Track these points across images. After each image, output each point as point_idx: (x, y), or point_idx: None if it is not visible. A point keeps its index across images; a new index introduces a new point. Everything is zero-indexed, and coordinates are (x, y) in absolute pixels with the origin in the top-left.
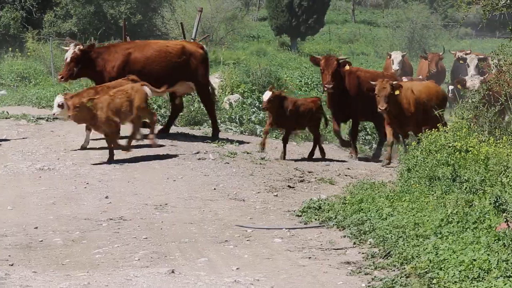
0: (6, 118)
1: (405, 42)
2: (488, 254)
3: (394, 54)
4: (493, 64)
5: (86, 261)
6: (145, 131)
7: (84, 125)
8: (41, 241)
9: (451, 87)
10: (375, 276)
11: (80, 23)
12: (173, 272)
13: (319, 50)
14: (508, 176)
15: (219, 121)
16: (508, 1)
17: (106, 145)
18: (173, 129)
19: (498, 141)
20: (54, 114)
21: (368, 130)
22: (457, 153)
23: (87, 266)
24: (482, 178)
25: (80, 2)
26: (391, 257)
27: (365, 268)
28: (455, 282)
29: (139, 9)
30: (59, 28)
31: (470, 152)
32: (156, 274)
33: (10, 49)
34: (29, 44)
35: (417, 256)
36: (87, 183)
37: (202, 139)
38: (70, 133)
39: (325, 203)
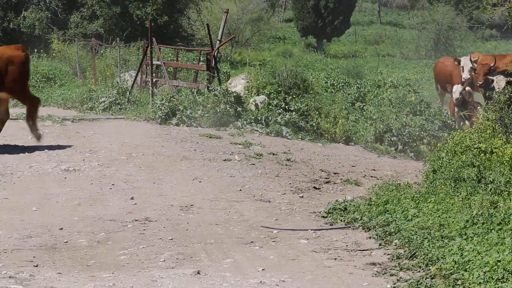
0: None
1: (430, 44)
2: None
3: (464, 60)
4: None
5: (111, 262)
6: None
7: (110, 127)
8: (66, 242)
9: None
10: (400, 277)
11: (106, 24)
12: (198, 273)
13: (344, 51)
14: None
15: (245, 122)
16: None
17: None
18: (199, 130)
19: None
20: None
21: (393, 131)
22: (482, 154)
23: (112, 267)
24: (507, 179)
25: (106, 3)
26: (416, 258)
27: (391, 269)
28: (480, 283)
29: (165, 10)
30: (85, 29)
31: (495, 154)
32: (182, 275)
33: (35, 50)
34: (54, 45)
35: (442, 257)
36: (113, 184)
37: (228, 140)
38: (95, 134)
39: (350, 204)
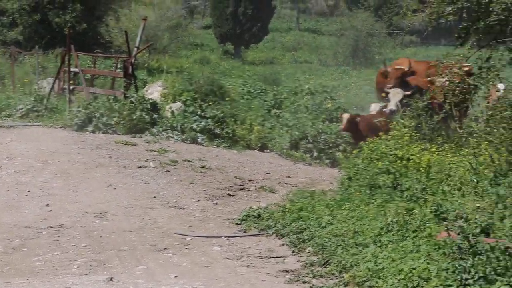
0: None
1: (349, 50)
2: (428, 263)
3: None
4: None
5: (26, 269)
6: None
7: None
8: None
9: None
10: (313, 285)
11: (26, 31)
12: (111, 280)
13: (262, 58)
14: (449, 184)
15: (160, 129)
16: (455, 9)
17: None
18: (114, 137)
19: (440, 149)
20: None
21: (309, 138)
22: (399, 161)
23: (27, 274)
24: (424, 186)
25: (26, 11)
26: (330, 265)
27: (304, 276)
28: None
29: (84, 18)
30: (5, 36)
31: (412, 161)
32: (95, 282)
33: None
34: None
35: (356, 265)
36: (28, 191)
37: (143, 147)
38: (12, 142)
39: (264, 211)
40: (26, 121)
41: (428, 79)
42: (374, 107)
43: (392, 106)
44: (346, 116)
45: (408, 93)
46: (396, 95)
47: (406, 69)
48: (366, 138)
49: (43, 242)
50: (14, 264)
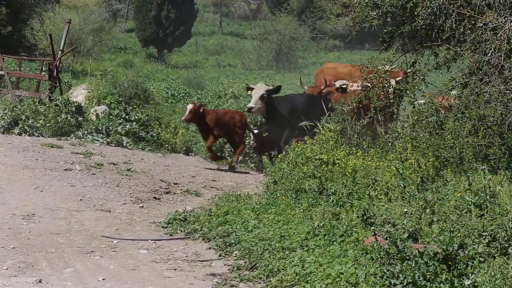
0: None
1: (272, 54)
2: (356, 268)
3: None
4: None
5: None
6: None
7: None
8: None
9: None
10: None
11: None
12: (40, 281)
13: (186, 61)
14: (376, 189)
15: (86, 132)
16: (379, 13)
17: None
18: (40, 140)
19: (366, 154)
20: None
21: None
22: (324, 165)
23: None
24: (350, 191)
25: None
26: (257, 269)
27: (231, 280)
28: None
29: (9, 21)
30: None
31: (338, 165)
32: (24, 283)
33: None
34: None
35: (283, 269)
36: None
37: (69, 149)
38: None
39: (190, 214)
40: None
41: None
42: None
43: (251, 104)
44: (189, 106)
45: (271, 88)
46: (258, 90)
47: (322, 87)
48: (214, 131)
49: None
50: None
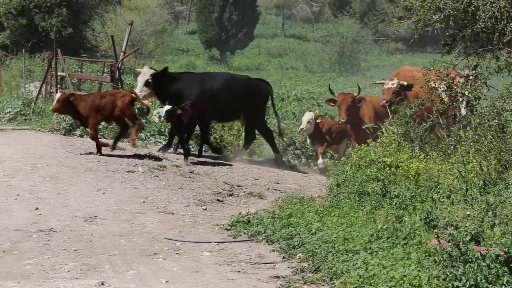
0: None
1: (335, 57)
2: (419, 270)
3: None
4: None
5: (17, 272)
6: None
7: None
8: None
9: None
10: None
11: (12, 35)
12: (102, 284)
13: (248, 64)
14: (438, 192)
15: (148, 134)
16: (441, 17)
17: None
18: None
19: (428, 157)
20: None
21: (297, 144)
22: (387, 168)
23: (18, 277)
24: (413, 194)
25: (13, 15)
26: (321, 271)
27: (294, 282)
28: None
29: (70, 22)
30: None
31: (400, 168)
32: (86, 286)
33: None
34: None
35: (346, 272)
36: (18, 195)
37: (132, 151)
38: (0, 145)
39: (254, 217)
40: (14, 125)
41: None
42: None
43: (137, 92)
44: (58, 95)
45: (157, 71)
46: (143, 76)
47: (355, 93)
48: (91, 118)
49: (33, 246)
50: (5, 267)
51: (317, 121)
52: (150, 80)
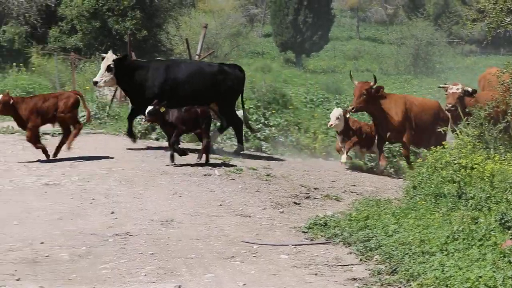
0: (11, 133)
1: (409, 59)
2: (494, 271)
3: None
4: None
5: (93, 276)
6: None
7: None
8: (47, 256)
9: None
10: None
11: (85, 38)
12: (179, 287)
13: (323, 66)
14: None
15: (224, 137)
16: None
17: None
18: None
19: (503, 158)
20: None
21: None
22: (463, 170)
23: (94, 281)
24: (488, 195)
25: (85, 17)
26: (397, 273)
27: (372, 284)
28: None
29: (144, 25)
30: (64, 43)
31: (476, 169)
32: None
33: (14, 64)
34: (33, 59)
35: (423, 273)
36: (93, 199)
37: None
38: (75, 149)
39: (331, 219)
40: (88, 129)
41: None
42: (335, 112)
43: (97, 77)
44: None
45: (119, 56)
46: (106, 61)
47: (372, 83)
48: (30, 121)
49: (109, 250)
50: (81, 271)
51: (347, 116)
52: (112, 66)
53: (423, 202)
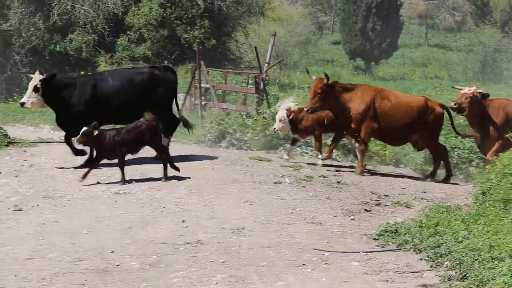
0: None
1: (478, 66)
2: None
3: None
4: None
5: (164, 285)
6: None
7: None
8: (118, 265)
9: None
10: None
11: (154, 47)
12: None
13: (393, 73)
14: None
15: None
16: None
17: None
18: (248, 153)
19: None
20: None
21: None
22: None
23: None
24: None
25: (153, 26)
26: (467, 279)
27: None
28: None
29: (213, 34)
30: (132, 52)
31: None
32: None
33: (82, 72)
34: (101, 68)
35: (492, 279)
36: (164, 207)
37: (278, 163)
38: (144, 157)
39: (401, 226)
40: None
41: None
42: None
43: (24, 98)
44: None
45: (46, 76)
46: (33, 81)
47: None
48: None
49: (180, 258)
50: (151, 280)
51: (290, 116)
52: (38, 86)
53: (492, 208)
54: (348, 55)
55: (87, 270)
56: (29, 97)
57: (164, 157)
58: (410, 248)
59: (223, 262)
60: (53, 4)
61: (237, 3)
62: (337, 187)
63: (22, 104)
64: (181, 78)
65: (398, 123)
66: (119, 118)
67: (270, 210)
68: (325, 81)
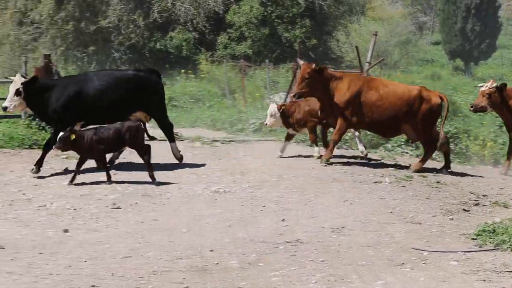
0: (180, 140)
1: None
2: None
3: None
4: None
5: (263, 284)
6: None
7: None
8: (217, 263)
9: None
10: None
11: (255, 45)
12: None
13: (492, 74)
14: None
15: (395, 144)
16: None
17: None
18: (349, 152)
19: None
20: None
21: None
22: None
23: None
24: None
25: (254, 24)
26: None
27: None
28: None
29: (314, 33)
30: (233, 50)
31: None
32: None
33: (182, 70)
34: (202, 66)
35: None
36: (263, 206)
37: (378, 162)
38: (246, 156)
39: (499, 226)
40: (259, 136)
41: None
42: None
43: (6, 102)
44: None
45: (28, 79)
46: (14, 85)
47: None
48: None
49: (279, 257)
50: (251, 279)
51: (280, 110)
52: (20, 89)
53: None
54: (448, 55)
55: (185, 269)
56: (11, 101)
57: (146, 159)
58: (508, 247)
59: (323, 261)
60: (153, 1)
61: (338, 2)
62: (436, 187)
63: (5, 109)
64: (282, 77)
65: (386, 113)
66: (101, 120)
67: (369, 210)
68: (313, 66)
